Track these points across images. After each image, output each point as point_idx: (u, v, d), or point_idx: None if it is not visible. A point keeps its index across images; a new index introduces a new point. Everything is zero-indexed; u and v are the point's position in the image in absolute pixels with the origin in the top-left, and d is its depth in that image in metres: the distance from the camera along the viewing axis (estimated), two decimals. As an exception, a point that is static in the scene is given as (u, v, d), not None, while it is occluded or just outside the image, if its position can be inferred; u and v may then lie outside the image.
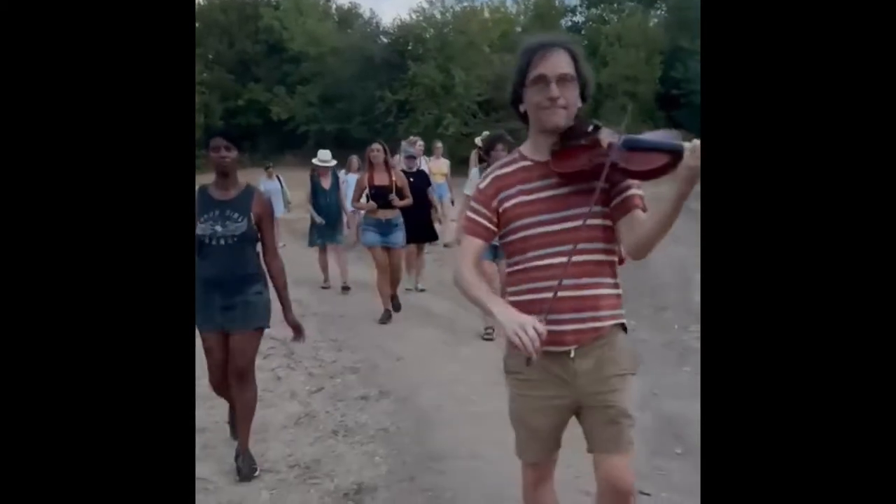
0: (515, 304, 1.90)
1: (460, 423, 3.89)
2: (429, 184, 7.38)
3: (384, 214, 6.14)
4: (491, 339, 5.46)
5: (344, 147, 21.96)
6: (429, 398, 4.29)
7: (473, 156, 8.90)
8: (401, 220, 6.26)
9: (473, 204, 2.02)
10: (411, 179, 6.74)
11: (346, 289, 7.59)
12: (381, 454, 3.54)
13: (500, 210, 1.95)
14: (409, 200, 6.19)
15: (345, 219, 7.94)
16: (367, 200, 6.13)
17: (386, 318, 6.18)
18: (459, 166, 22.87)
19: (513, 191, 1.94)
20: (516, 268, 1.97)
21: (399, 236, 6.25)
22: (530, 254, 1.92)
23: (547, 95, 1.84)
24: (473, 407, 4.14)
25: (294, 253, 8.51)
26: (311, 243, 7.97)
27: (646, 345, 5.44)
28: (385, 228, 6.17)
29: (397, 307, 6.36)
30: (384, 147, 6.27)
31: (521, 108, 1.95)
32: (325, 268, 8.01)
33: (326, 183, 7.89)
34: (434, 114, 21.82)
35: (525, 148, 2.00)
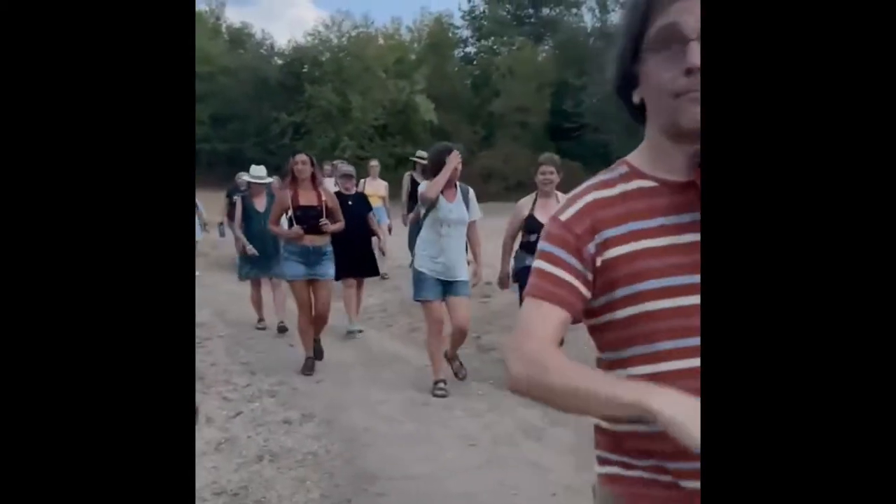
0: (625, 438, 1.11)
1: (391, 444, 3.83)
2: (369, 208, 6.49)
3: (311, 241, 5.08)
4: (444, 396, 4.58)
5: (236, 167, 21.37)
6: (355, 420, 4.20)
7: (407, 179, 8.26)
8: (330, 248, 5.24)
9: (547, 247, 1.12)
10: (350, 203, 5.98)
11: (282, 329, 6.42)
12: (312, 479, 3.42)
13: (601, 262, 1.09)
14: (340, 224, 5.23)
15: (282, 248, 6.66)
16: (290, 224, 5.07)
17: (309, 368, 5.15)
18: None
19: (623, 230, 1.08)
20: (632, 371, 1.08)
21: (328, 267, 5.20)
22: (661, 345, 1.05)
23: (686, 66, 1.00)
24: (402, 427, 4.09)
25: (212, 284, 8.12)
26: (243, 276, 6.77)
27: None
28: (311, 258, 5.11)
29: (319, 354, 5.35)
30: (311, 159, 5.22)
31: (636, 97, 1.13)
32: (259, 305, 6.79)
33: (260, 204, 6.67)
34: (331, 136, 21.69)
35: (638, 159, 1.16)
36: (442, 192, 4.51)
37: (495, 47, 28.69)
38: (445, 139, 23.88)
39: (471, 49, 31.23)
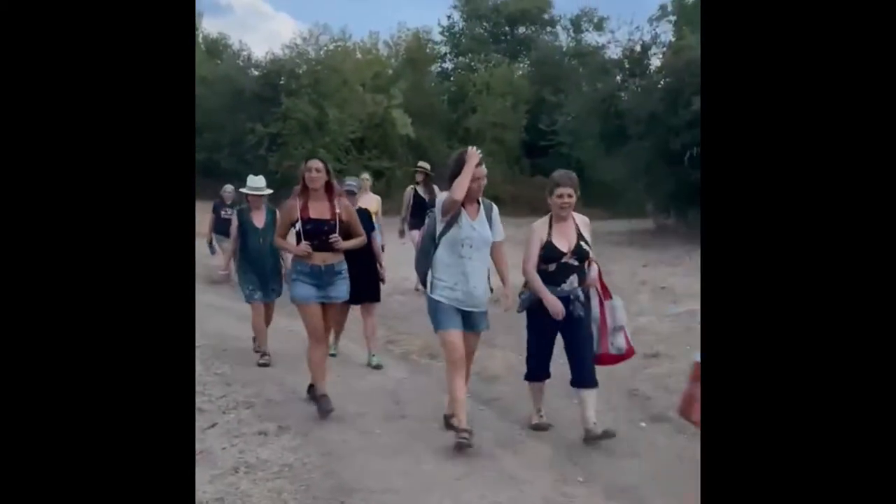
0: None
1: (368, 456, 3.82)
2: (373, 227, 5.77)
3: (323, 259, 4.44)
4: (467, 447, 3.82)
5: (211, 177, 21.17)
6: (332, 432, 4.18)
7: (409, 193, 8.24)
8: (345, 266, 4.60)
9: None
10: None
11: (264, 364, 5.72)
12: (288, 490, 3.40)
13: None
14: (360, 240, 4.66)
15: (283, 266, 6.00)
16: (299, 240, 4.47)
17: (326, 407, 4.37)
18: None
19: None
20: None
21: (343, 289, 4.56)
22: None
23: None
24: (379, 440, 4.08)
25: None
26: (249, 298, 5.93)
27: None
28: (324, 278, 4.46)
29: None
30: (327, 166, 4.52)
31: None
32: (262, 330, 5.96)
33: (259, 219, 5.94)
34: (307, 148, 21.55)
35: None
36: (463, 205, 3.92)
37: (472, 64, 28.89)
38: (421, 154, 23.99)
39: (448, 65, 31.43)
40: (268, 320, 6.08)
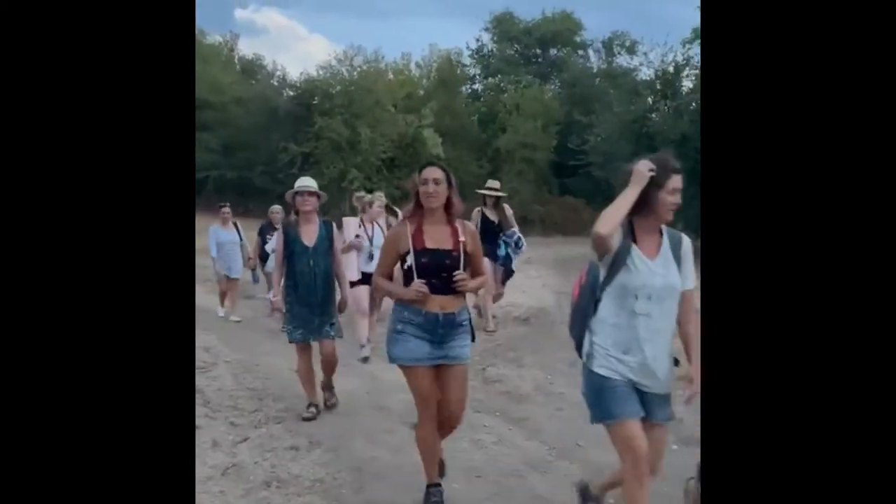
0: None
1: (398, 474, 3.84)
2: None
3: (442, 305, 3.22)
4: None
5: (244, 195, 21.54)
6: (362, 448, 4.22)
7: (477, 215, 7.37)
8: (468, 316, 3.38)
9: None
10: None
11: (309, 416, 4.74)
12: (319, 505, 3.44)
13: None
14: (484, 279, 3.48)
15: (337, 295, 4.87)
16: (409, 279, 3.25)
17: (436, 500, 3.39)
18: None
19: None
20: None
21: (464, 345, 3.33)
22: None
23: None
24: (408, 458, 4.10)
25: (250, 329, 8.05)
26: (291, 337, 4.77)
27: (563, 398, 5.60)
28: (440, 332, 3.24)
29: (442, 472, 3.59)
30: (448, 176, 3.26)
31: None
32: (310, 381, 4.88)
33: (311, 236, 4.69)
34: (339, 167, 21.88)
35: None
36: (635, 239, 2.72)
37: (502, 85, 29.08)
38: (452, 173, 23.82)
39: (478, 86, 31.72)
40: (330, 366, 4.85)
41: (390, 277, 3.42)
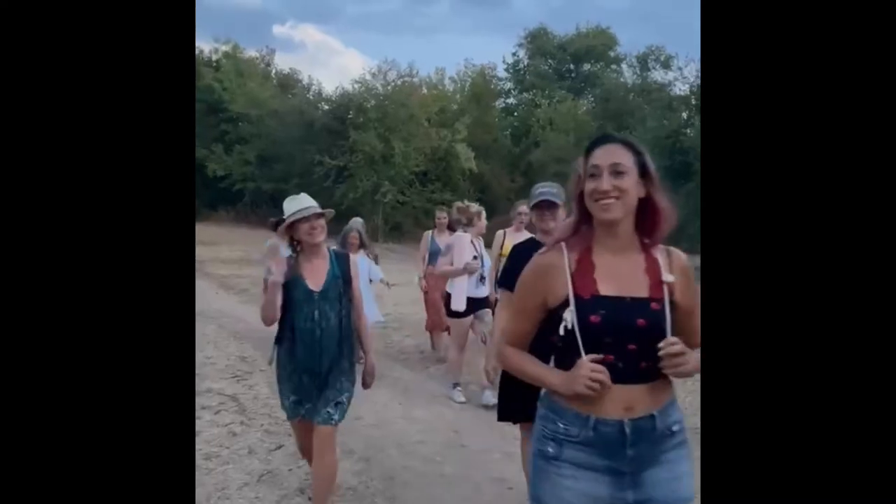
0: None
1: (429, 484, 3.87)
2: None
3: (629, 403, 1.68)
4: None
5: (280, 207, 21.81)
6: (394, 458, 4.25)
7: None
8: (680, 419, 1.74)
9: None
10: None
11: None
12: (352, 513, 3.48)
13: None
14: (697, 358, 1.71)
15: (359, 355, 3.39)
16: (567, 356, 1.71)
17: None
18: (392, 233, 22.86)
19: None
20: None
21: (679, 480, 1.74)
22: None
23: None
24: (440, 468, 4.13)
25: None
26: (292, 414, 3.31)
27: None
28: (630, 455, 1.68)
29: None
30: (642, 155, 1.74)
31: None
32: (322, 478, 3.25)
33: (317, 277, 3.13)
34: (372, 181, 22.10)
35: None
36: None
37: (536, 100, 29.14)
38: (485, 187, 24.09)
39: (512, 100, 31.83)
40: (325, 480, 3.20)
41: (525, 347, 1.87)
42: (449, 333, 6.06)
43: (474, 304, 5.51)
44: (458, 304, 5.43)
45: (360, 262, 4.37)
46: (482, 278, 5.48)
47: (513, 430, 4.83)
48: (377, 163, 22.34)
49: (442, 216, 7.15)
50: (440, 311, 6.26)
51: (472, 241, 5.53)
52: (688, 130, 16.58)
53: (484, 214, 5.72)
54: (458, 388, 5.68)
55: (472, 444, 4.56)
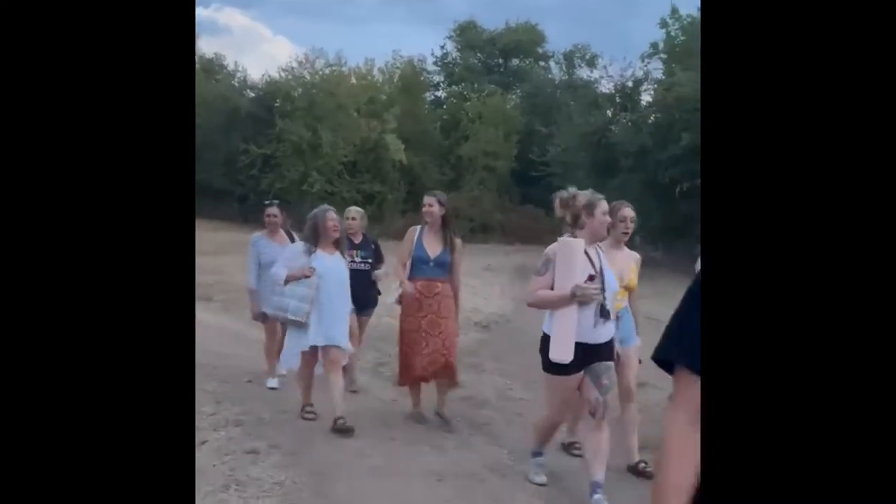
0: None
1: (359, 478, 3.85)
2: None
3: None
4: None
5: (205, 196, 21.19)
6: (322, 452, 4.21)
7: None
8: None
9: None
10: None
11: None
12: (279, 508, 3.43)
13: None
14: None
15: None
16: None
17: None
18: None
19: None
20: None
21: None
22: None
23: None
24: (370, 461, 4.12)
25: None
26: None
27: (522, 403, 5.68)
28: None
29: None
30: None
31: None
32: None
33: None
34: (300, 171, 21.72)
35: None
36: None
37: (465, 93, 29.22)
38: (414, 179, 24.11)
39: (441, 93, 31.81)
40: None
41: None
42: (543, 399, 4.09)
43: (587, 354, 3.57)
44: (561, 353, 3.48)
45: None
46: (603, 312, 3.56)
47: (443, 423, 4.85)
48: (305, 152, 21.96)
49: (431, 203, 4.85)
50: (428, 350, 4.69)
51: (585, 252, 3.58)
52: (613, 127, 17.01)
53: (603, 205, 3.67)
54: (540, 460, 3.97)
55: (400, 438, 4.57)
